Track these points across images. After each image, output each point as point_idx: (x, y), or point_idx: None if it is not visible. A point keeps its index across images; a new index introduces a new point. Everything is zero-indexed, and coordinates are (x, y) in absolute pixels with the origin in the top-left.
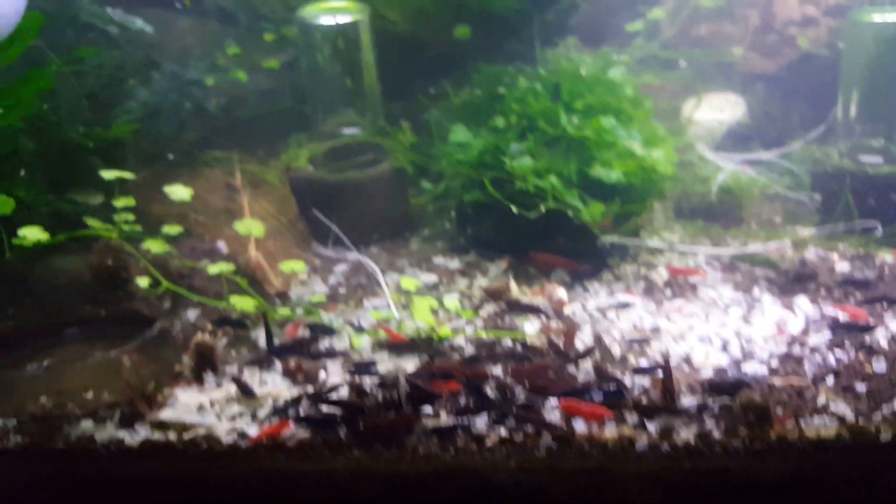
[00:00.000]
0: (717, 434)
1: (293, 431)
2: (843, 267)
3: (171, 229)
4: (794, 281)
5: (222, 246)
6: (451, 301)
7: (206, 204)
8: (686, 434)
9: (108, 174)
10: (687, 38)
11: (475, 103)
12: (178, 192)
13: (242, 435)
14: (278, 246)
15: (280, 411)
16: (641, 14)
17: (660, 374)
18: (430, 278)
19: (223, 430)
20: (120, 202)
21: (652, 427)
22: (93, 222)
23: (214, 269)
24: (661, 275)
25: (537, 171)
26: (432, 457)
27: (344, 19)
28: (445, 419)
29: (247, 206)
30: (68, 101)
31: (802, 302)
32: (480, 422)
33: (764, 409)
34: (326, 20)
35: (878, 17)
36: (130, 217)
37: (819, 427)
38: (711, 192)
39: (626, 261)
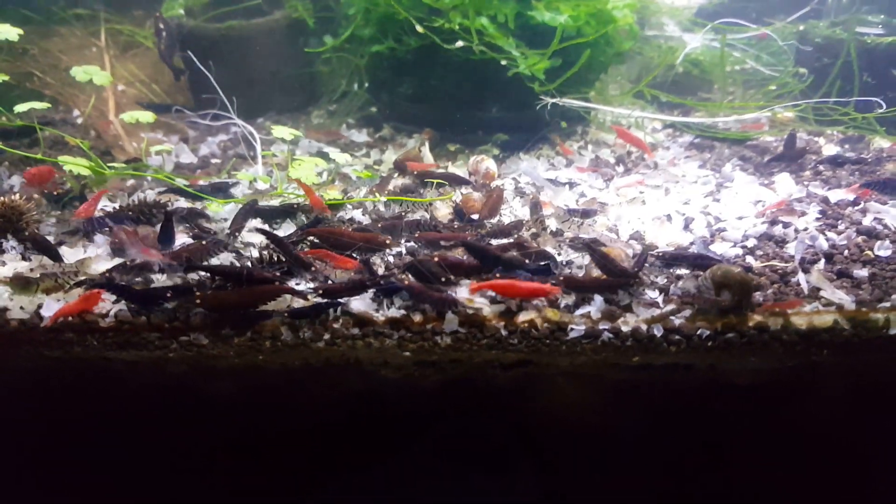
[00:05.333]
0: (676, 321)
1: (109, 309)
2: (830, 150)
3: None
4: (776, 159)
5: (77, 112)
6: (341, 157)
7: (61, 66)
8: (633, 320)
9: None
10: None
11: None
12: (3, 30)
13: (39, 312)
14: None
15: (93, 285)
16: None
17: (595, 248)
18: (332, 152)
19: (15, 306)
20: None
21: (591, 308)
22: None
23: (23, 106)
24: (611, 150)
25: (463, 6)
26: (299, 345)
27: None
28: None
29: (109, 66)
30: None
31: (785, 181)
32: (360, 303)
33: (745, 284)
34: None
35: None
36: None
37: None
38: (677, 64)
39: (574, 137)
